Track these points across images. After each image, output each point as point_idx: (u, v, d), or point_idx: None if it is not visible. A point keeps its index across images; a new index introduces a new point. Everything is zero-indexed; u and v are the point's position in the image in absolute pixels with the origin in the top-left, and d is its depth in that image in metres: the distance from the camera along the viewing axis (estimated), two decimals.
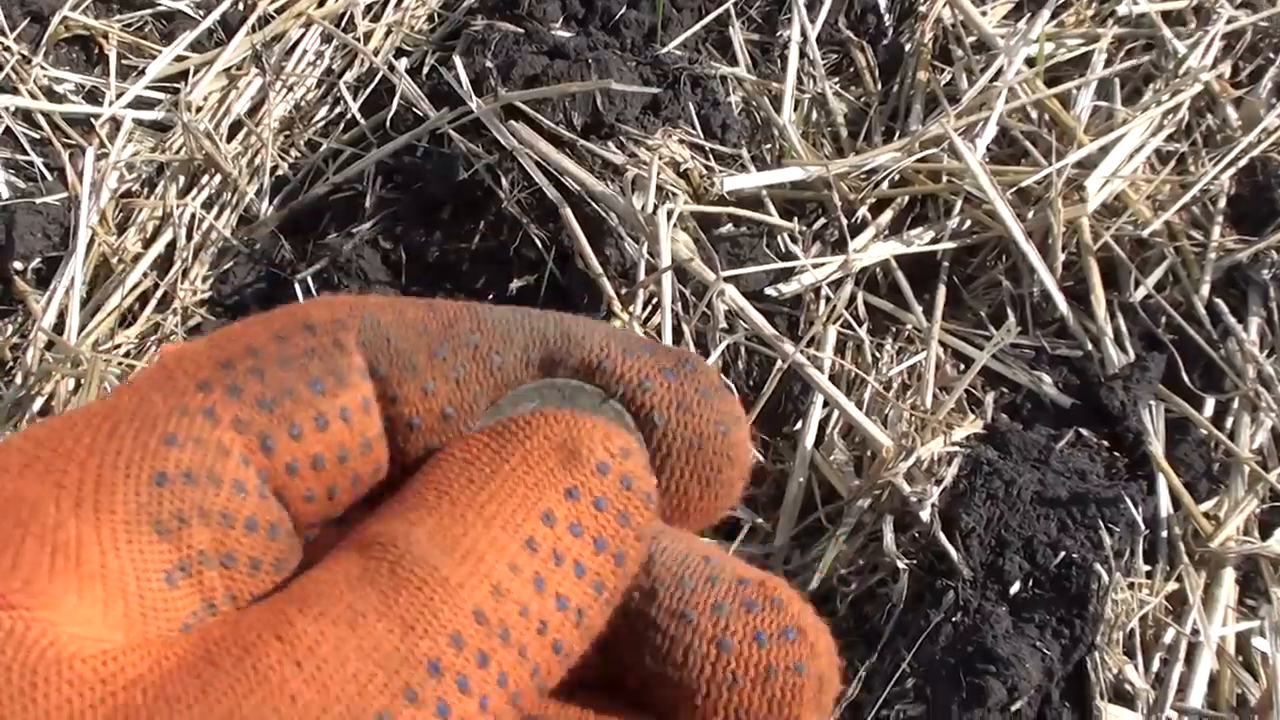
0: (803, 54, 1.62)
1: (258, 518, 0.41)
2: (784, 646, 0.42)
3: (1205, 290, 1.43)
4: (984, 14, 1.64)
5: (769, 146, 1.56)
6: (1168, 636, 1.23)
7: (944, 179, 1.47)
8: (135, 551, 0.39)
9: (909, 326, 1.42)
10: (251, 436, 0.41)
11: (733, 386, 1.37)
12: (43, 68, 1.75)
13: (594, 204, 1.42)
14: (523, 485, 0.41)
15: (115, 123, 1.71)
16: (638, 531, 0.42)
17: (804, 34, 1.62)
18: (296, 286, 1.51)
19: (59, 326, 1.54)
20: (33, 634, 0.36)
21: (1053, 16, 1.64)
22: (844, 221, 1.44)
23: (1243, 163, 1.50)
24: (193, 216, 1.61)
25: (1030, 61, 1.58)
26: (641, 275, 1.37)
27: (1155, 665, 1.22)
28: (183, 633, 0.39)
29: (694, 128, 1.53)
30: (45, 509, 0.39)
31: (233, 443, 0.41)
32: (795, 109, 1.58)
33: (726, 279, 1.37)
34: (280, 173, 1.65)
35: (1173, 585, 1.25)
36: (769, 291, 1.41)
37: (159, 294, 1.57)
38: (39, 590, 0.37)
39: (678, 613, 0.43)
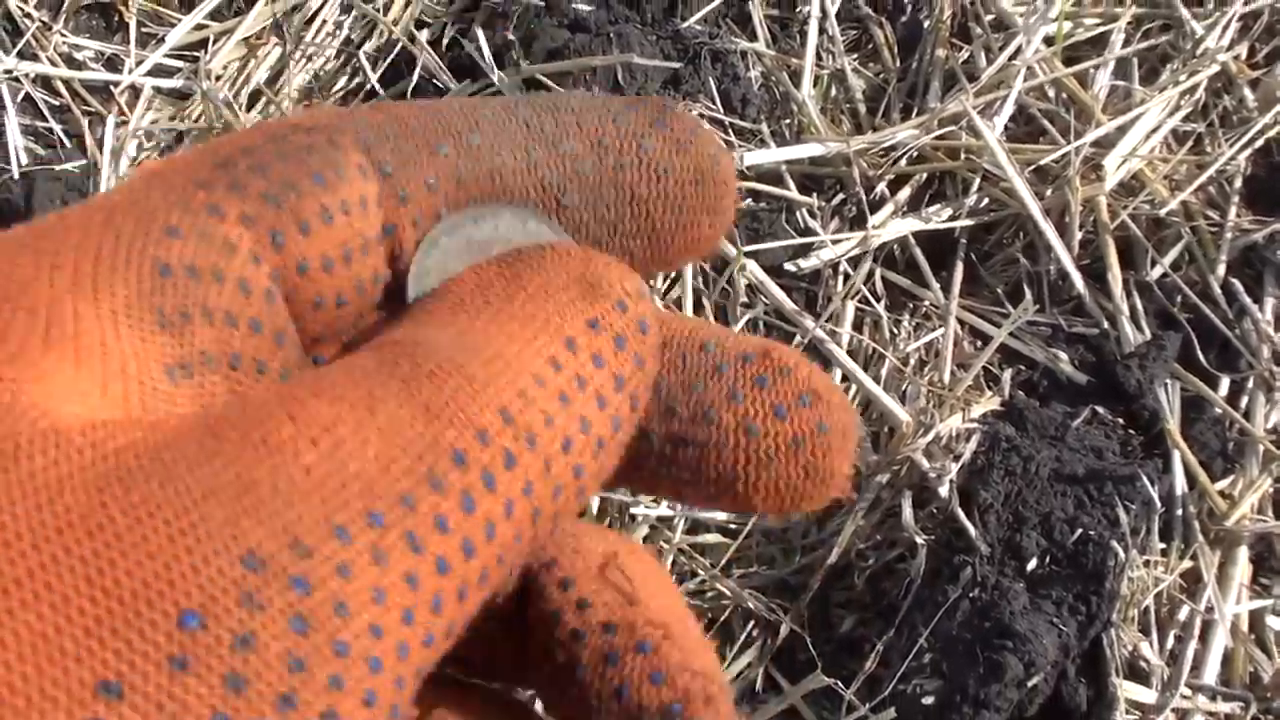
0: (822, 30, 1.63)
1: (263, 320, 0.40)
2: (803, 414, 0.43)
3: (1221, 270, 1.44)
4: None
5: (788, 122, 1.57)
6: (1182, 614, 1.24)
7: (962, 156, 1.48)
8: (136, 338, 0.37)
9: (927, 303, 1.43)
10: (261, 232, 0.40)
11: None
12: (62, 35, 1.76)
13: None
14: (544, 310, 0.40)
15: (135, 90, 1.72)
16: (648, 378, 0.42)
17: (823, 10, 1.63)
18: None
19: None
20: (21, 404, 0.33)
21: None
22: (863, 197, 1.45)
23: (1259, 143, 1.50)
24: None
25: (1049, 40, 1.58)
26: None
27: (1170, 642, 1.24)
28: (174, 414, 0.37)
29: (714, 102, 1.54)
30: (39, 286, 0.37)
31: (240, 239, 0.39)
32: (815, 85, 1.58)
33: (746, 254, 1.38)
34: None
35: (1188, 563, 1.26)
36: (788, 267, 1.42)
37: None
38: (31, 361, 0.35)
39: (699, 417, 0.44)
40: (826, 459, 0.44)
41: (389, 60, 1.69)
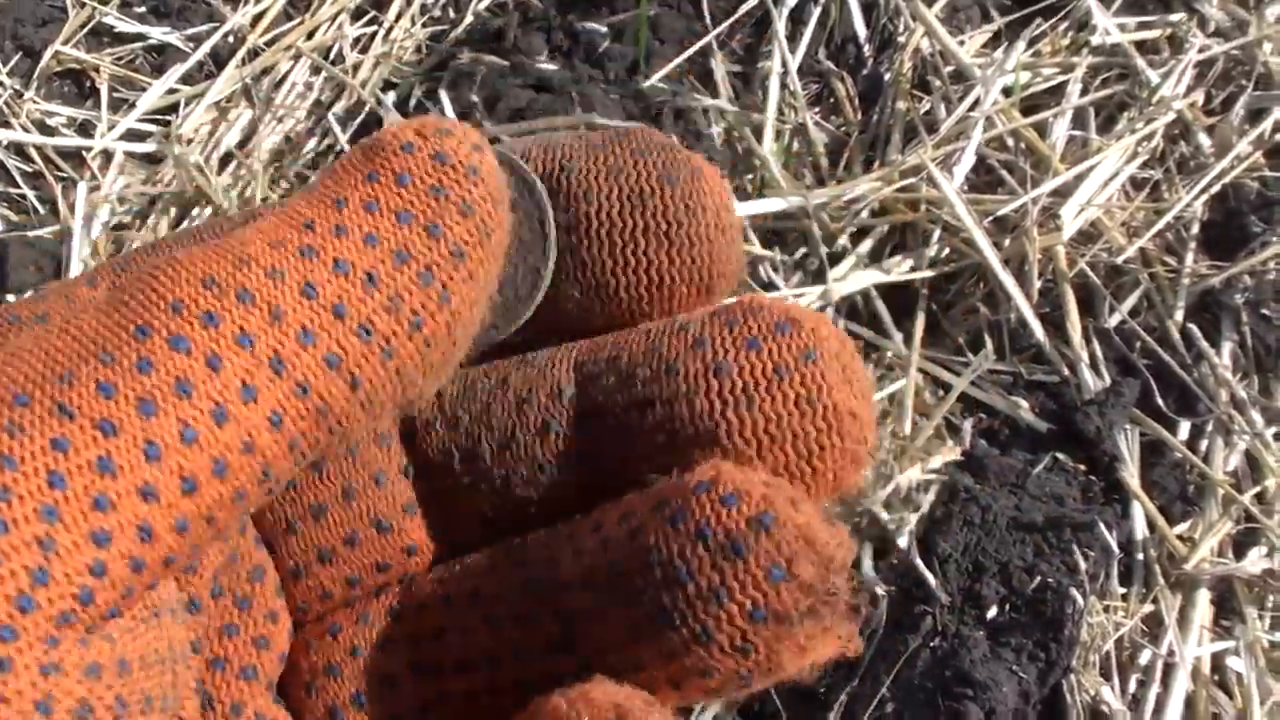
0: (784, 85, 1.64)
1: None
2: (782, 341, 0.40)
3: (1179, 315, 1.45)
4: (961, 44, 1.66)
5: (751, 177, 1.58)
6: (1144, 658, 1.25)
7: (923, 208, 1.49)
8: None
9: (889, 354, 1.44)
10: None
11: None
12: (35, 101, 1.77)
13: None
14: (320, 187, 0.38)
15: (107, 155, 1.73)
16: (461, 207, 0.38)
17: (785, 65, 1.65)
18: None
19: None
20: None
21: (1029, 46, 1.66)
22: (824, 251, 1.47)
23: (1216, 189, 1.52)
24: None
25: (1007, 91, 1.60)
26: None
27: (1131, 686, 1.24)
28: None
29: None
30: None
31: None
32: (776, 139, 1.60)
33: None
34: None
35: (1148, 607, 1.27)
36: None
37: None
38: None
39: (660, 372, 0.40)
40: (821, 388, 0.40)
41: (359, 121, 1.71)
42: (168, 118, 1.77)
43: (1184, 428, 1.40)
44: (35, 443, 0.31)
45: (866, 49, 1.72)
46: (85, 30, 1.84)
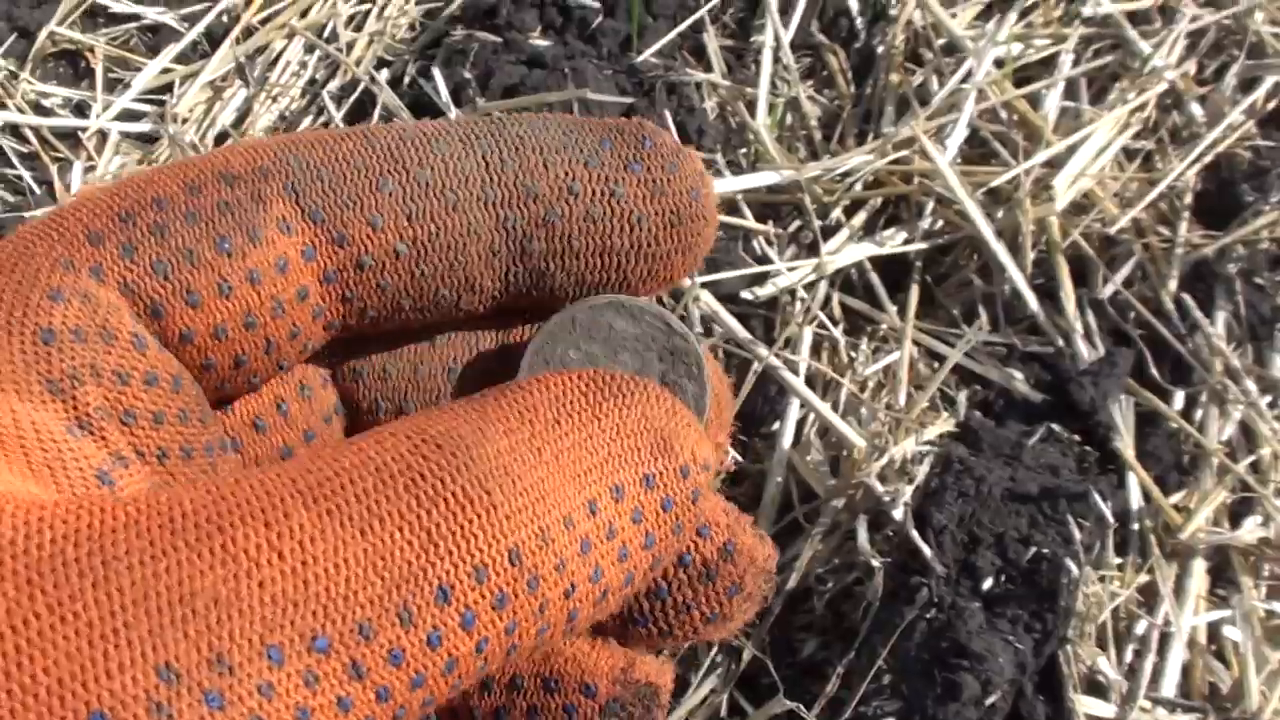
0: (776, 58, 1.64)
1: (158, 371, 0.38)
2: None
3: (1173, 285, 1.46)
4: (954, 16, 1.66)
5: (744, 151, 1.59)
6: (1139, 628, 1.26)
7: (915, 180, 1.50)
8: (28, 410, 0.36)
9: (884, 326, 1.44)
10: (140, 301, 0.38)
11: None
12: (30, 82, 1.77)
13: None
14: (607, 449, 0.39)
15: (102, 135, 1.73)
16: (680, 545, 0.41)
17: (777, 39, 1.65)
18: None
19: None
20: None
21: (1020, 18, 1.66)
22: (817, 224, 1.47)
23: (1208, 159, 1.52)
24: None
25: (999, 63, 1.60)
26: None
27: (1128, 656, 1.25)
28: (101, 482, 0.37)
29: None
30: None
31: (122, 301, 0.38)
32: (769, 113, 1.60)
33: (702, 284, 1.40)
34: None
35: (1144, 577, 1.28)
36: (745, 295, 1.43)
37: None
38: None
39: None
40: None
41: (353, 99, 1.71)
42: (163, 97, 1.77)
43: (1178, 397, 1.40)
44: (326, 695, 0.32)
45: (859, 22, 1.72)
46: (80, 10, 1.84)
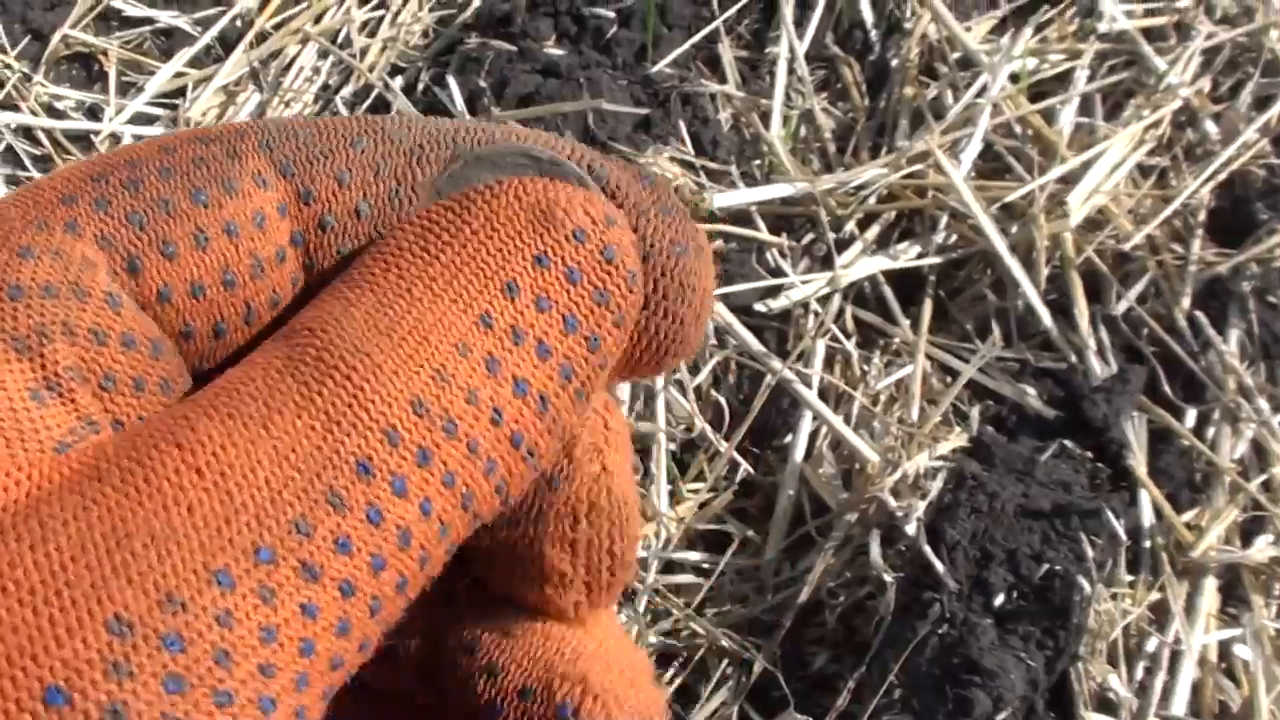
0: (791, 70, 1.64)
1: (135, 333, 0.36)
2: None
3: (1186, 303, 1.46)
4: (968, 30, 1.66)
5: (758, 163, 1.59)
6: (1150, 645, 1.26)
7: (929, 194, 1.50)
8: None
9: (896, 340, 1.44)
10: (117, 255, 0.36)
11: (723, 401, 1.40)
12: (43, 85, 1.77)
13: None
14: (483, 251, 0.36)
15: (115, 139, 1.73)
16: (617, 317, 0.37)
17: (792, 51, 1.65)
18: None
19: None
20: None
21: (1035, 33, 1.66)
22: (831, 237, 1.47)
23: (1222, 176, 1.52)
24: None
25: (1014, 78, 1.60)
26: None
27: (1138, 674, 1.25)
28: (58, 453, 0.34)
29: (684, 145, 1.56)
30: None
31: (98, 257, 0.36)
32: (784, 125, 1.60)
33: (716, 296, 1.40)
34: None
35: (1155, 595, 1.28)
36: (758, 307, 1.43)
37: None
38: None
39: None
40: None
41: (365, 105, 1.71)
42: (176, 101, 1.77)
43: (1191, 415, 1.40)
44: (287, 607, 0.30)
45: (874, 35, 1.72)
46: (93, 14, 1.84)
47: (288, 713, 0.30)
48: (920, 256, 1.48)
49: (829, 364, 1.43)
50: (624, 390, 1.36)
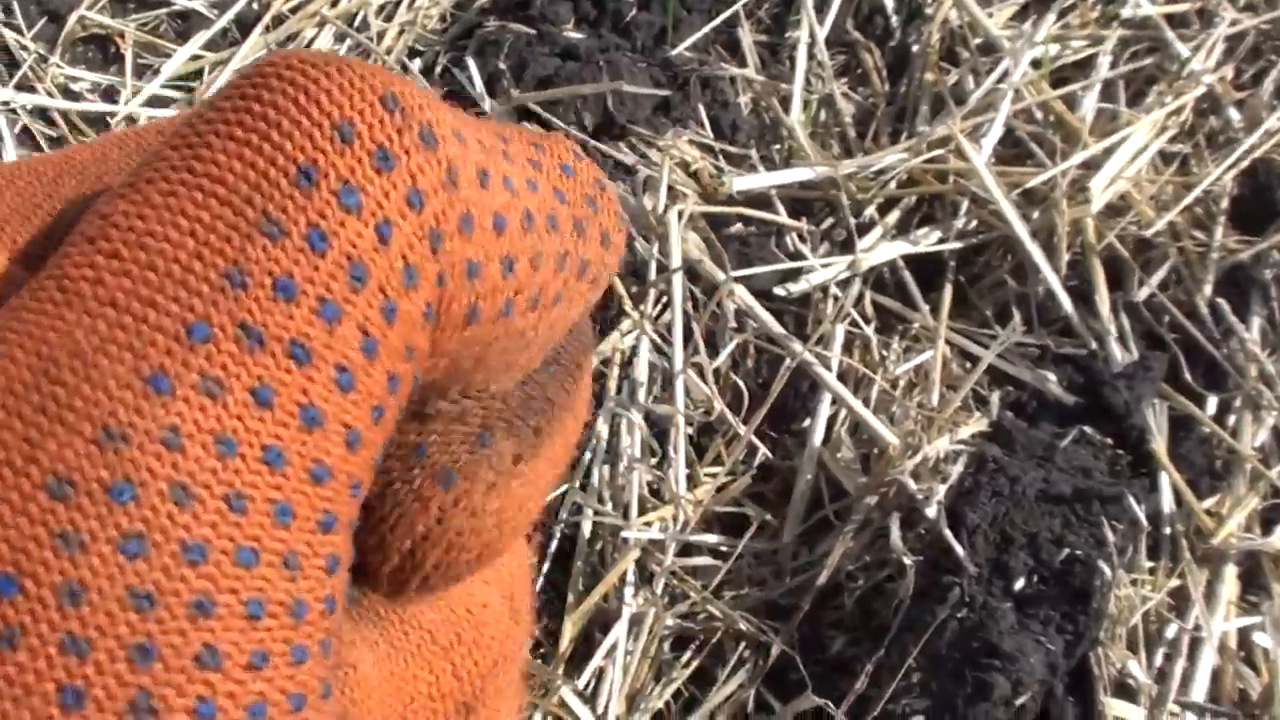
0: (811, 55, 1.64)
1: None
2: None
3: (1208, 289, 1.45)
4: (990, 16, 1.65)
5: (778, 147, 1.58)
6: (1170, 632, 1.25)
7: (950, 179, 1.49)
8: None
9: (916, 325, 1.43)
10: None
11: (742, 384, 1.39)
12: (59, 66, 1.77)
13: None
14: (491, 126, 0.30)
15: (131, 121, 1.73)
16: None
17: (812, 35, 1.64)
18: None
19: None
20: None
21: (1058, 19, 1.65)
22: (851, 221, 1.46)
23: (1245, 164, 1.51)
24: None
25: (1036, 63, 1.59)
26: (652, 275, 1.39)
27: (1158, 660, 1.24)
28: None
29: (704, 128, 1.55)
30: None
31: None
32: (804, 109, 1.59)
33: (736, 279, 1.39)
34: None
35: (1175, 581, 1.27)
36: (778, 291, 1.43)
37: None
38: None
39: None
40: None
41: None
42: (192, 84, 1.76)
43: (1212, 402, 1.39)
44: (238, 398, 0.24)
45: (894, 20, 1.71)
46: None
47: (272, 563, 0.25)
48: (941, 242, 1.48)
49: (848, 349, 1.42)
50: (642, 372, 1.36)
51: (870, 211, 1.50)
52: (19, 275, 0.30)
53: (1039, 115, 1.56)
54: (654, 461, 1.34)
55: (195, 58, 1.78)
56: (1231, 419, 1.39)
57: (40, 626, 0.23)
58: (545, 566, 1.31)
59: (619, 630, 1.26)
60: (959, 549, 1.21)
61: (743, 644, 1.28)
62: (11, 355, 0.24)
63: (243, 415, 0.24)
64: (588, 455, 1.34)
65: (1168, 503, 1.30)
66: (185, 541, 0.23)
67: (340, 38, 1.77)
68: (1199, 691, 1.23)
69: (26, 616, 0.23)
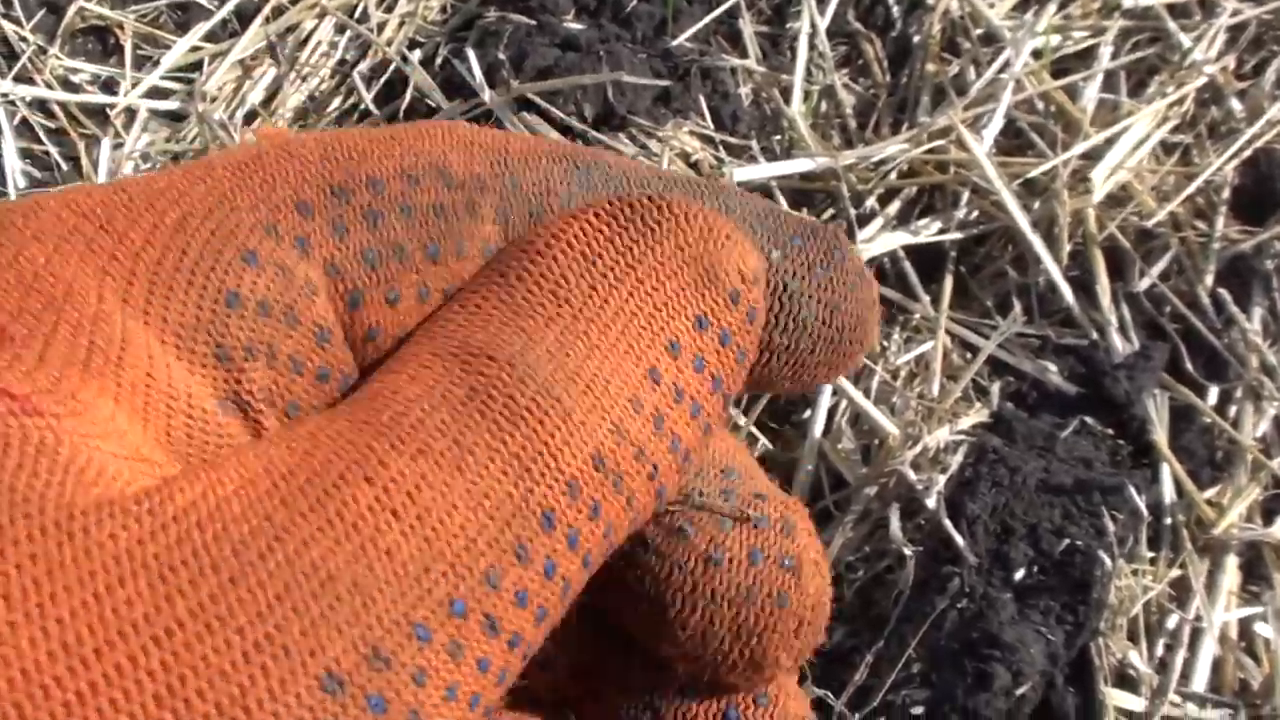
0: (812, 46, 1.63)
1: (333, 370, 0.35)
2: (774, 573, 0.38)
3: (1209, 280, 1.45)
4: (991, 6, 1.65)
5: (778, 138, 1.58)
6: (1171, 622, 1.25)
7: (951, 170, 1.49)
8: (186, 367, 0.32)
9: (916, 316, 1.43)
10: (341, 286, 0.35)
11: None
12: (58, 58, 1.77)
13: None
14: (651, 302, 0.35)
15: (130, 112, 1.72)
16: (745, 372, 0.37)
17: (813, 26, 1.64)
18: None
19: None
20: (65, 451, 0.28)
21: (1059, 9, 1.65)
22: (852, 212, 1.46)
23: (1247, 154, 1.51)
24: None
25: (1037, 54, 1.59)
26: None
27: (1159, 650, 1.24)
28: (226, 448, 0.32)
29: (704, 119, 1.55)
30: (85, 295, 0.31)
31: (320, 283, 0.35)
32: (804, 100, 1.59)
33: None
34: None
35: (1176, 572, 1.27)
36: None
37: None
38: (69, 391, 0.29)
39: (675, 528, 0.38)
40: (765, 632, 0.38)
41: (383, 80, 1.70)
42: (191, 75, 1.76)
43: (1213, 393, 1.39)
44: (468, 663, 0.30)
45: (895, 10, 1.71)
46: None
47: None
48: (941, 232, 1.47)
49: None
50: None
51: (871, 202, 1.49)
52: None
53: (1040, 106, 1.56)
54: None
55: (195, 49, 1.78)
56: (1233, 409, 1.38)
57: None
58: None
59: None
60: (959, 539, 1.21)
61: None
62: (287, 555, 0.27)
63: (468, 676, 0.29)
64: None
65: (1169, 493, 1.30)
66: None
67: (340, 29, 1.77)
68: (1200, 682, 1.22)
69: None
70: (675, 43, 1.62)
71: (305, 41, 1.77)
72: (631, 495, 0.33)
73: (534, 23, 1.61)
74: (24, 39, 1.76)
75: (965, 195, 1.49)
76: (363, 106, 1.69)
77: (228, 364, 0.33)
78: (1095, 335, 1.40)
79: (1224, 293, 1.42)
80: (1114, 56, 1.61)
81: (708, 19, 1.64)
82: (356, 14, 1.78)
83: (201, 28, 1.79)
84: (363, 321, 0.36)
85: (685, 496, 0.39)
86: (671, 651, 0.38)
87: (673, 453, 0.34)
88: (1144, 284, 1.44)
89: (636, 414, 0.34)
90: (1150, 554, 1.27)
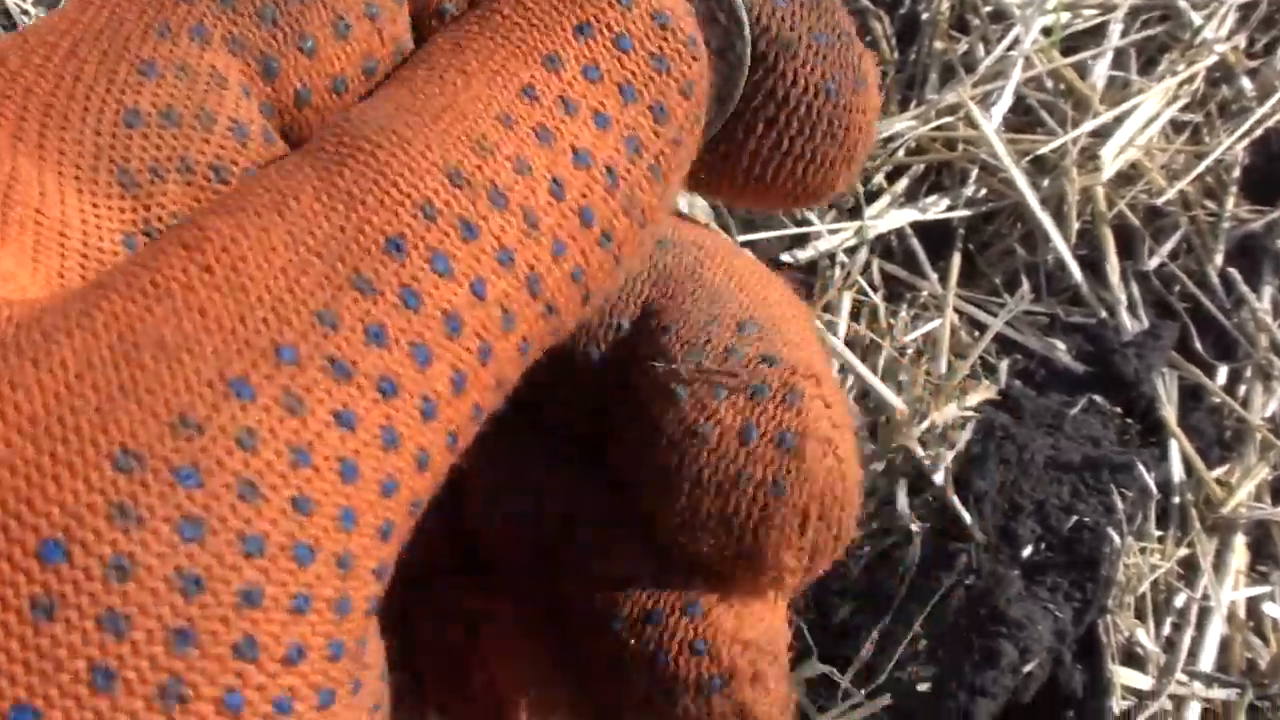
0: None
1: (261, 163, 0.31)
2: (769, 454, 0.34)
3: (1219, 259, 1.44)
4: None
5: None
6: (1179, 601, 1.24)
7: (960, 147, 1.48)
8: (87, 203, 0.29)
9: (924, 293, 1.43)
10: (250, 58, 0.31)
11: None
12: None
13: None
14: (518, 30, 0.31)
15: None
16: (683, 85, 0.32)
17: None
18: None
19: None
20: None
21: None
22: (860, 188, 1.45)
23: (1257, 133, 1.50)
24: None
25: (1047, 31, 1.58)
26: None
27: (1166, 629, 1.24)
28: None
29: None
30: None
31: (228, 69, 0.31)
32: None
33: (742, 245, 1.38)
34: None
35: (1184, 550, 1.26)
36: (785, 258, 1.42)
37: None
38: None
39: (665, 388, 0.34)
40: (759, 527, 0.34)
41: None
42: None
43: (1222, 372, 1.39)
44: (319, 417, 0.25)
45: None
46: None
47: (328, 562, 0.25)
48: (949, 209, 1.47)
49: (855, 316, 1.41)
50: None
51: (879, 179, 1.49)
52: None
53: (1049, 83, 1.55)
54: None
55: None
56: (1242, 389, 1.38)
57: (81, 598, 0.23)
58: None
59: None
60: (966, 516, 1.21)
61: None
62: (94, 330, 0.25)
63: (322, 432, 0.25)
64: None
65: (1177, 472, 1.30)
66: (243, 533, 0.24)
67: None
68: (1207, 661, 1.22)
69: (68, 586, 0.23)
70: None
71: None
72: (530, 214, 0.29)
73: None
74: (26, 13, 1.76)
75: (974, 172, 1.48)
76: None
77: (135, 190, 0.30)
78: (1104, 313, 1.40)
79: (1233, 272, 1.42)
80: (1124, 34, 1.60)
81: None
82: None
83: None
84: (287, 87, 0.32)
85: (686, 345, 0.35)
86: (663, 532, 0.35)
87: (582, 167, 0.30)
88: (1153, 262, 1.43)
89: (509, 128, 0.30)
90: (1158, 532, 1.27)
